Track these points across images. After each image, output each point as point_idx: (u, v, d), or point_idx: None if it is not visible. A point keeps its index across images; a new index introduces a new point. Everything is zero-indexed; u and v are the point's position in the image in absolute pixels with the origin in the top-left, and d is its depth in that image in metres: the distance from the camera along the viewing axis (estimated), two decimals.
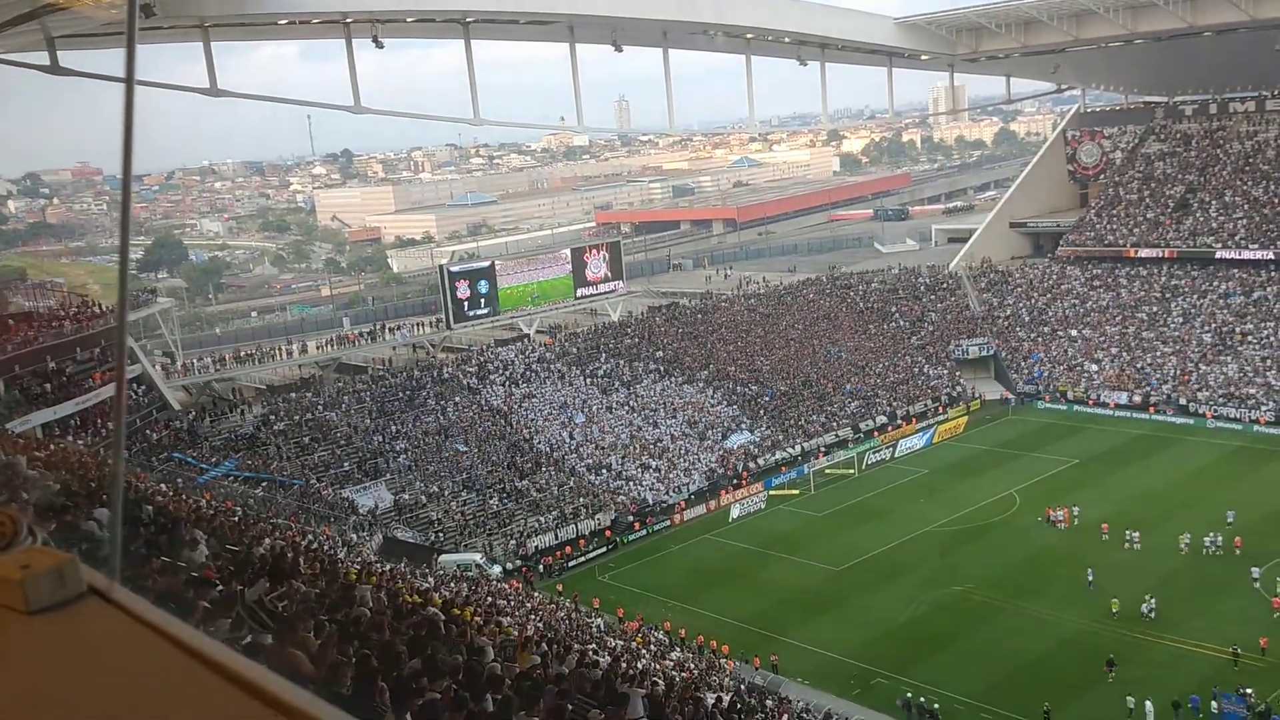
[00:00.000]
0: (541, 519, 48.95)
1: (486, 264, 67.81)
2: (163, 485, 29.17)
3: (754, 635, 37.70)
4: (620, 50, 49.70)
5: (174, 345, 59.72)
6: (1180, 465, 52.22)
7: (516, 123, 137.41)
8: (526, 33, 51.86)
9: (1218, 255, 68.12)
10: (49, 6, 29.54)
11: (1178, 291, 68.37)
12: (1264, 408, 56.98)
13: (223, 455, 48.37)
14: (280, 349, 63.73)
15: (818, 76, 60.42)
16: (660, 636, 35.83)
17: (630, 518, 50.33)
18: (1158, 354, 64.31)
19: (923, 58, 66.41)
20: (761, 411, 60.71)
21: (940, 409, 63.77)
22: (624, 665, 20.61)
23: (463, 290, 63.85)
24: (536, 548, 47.10)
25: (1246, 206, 69.67)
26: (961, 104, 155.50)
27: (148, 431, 47.44)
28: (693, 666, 29.25)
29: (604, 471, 53.56)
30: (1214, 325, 64.38)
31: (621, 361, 62.74)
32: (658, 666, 24.95)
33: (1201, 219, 71.09)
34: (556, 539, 47.98)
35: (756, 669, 34.53)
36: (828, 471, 55.40)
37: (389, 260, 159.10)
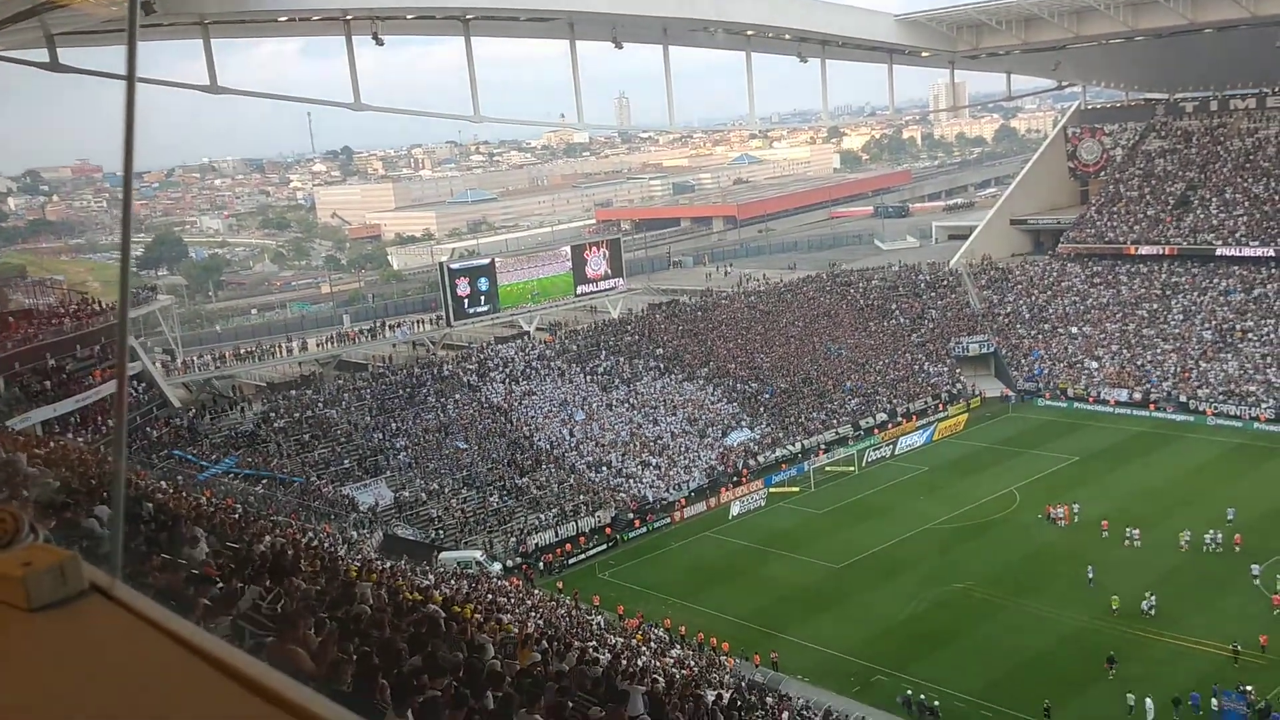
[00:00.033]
0: (542, 516, 48.97)
1: (486, 261, 67.83)
2: (163, 482, 29.18)
3: (754, 632, 37.72)
4: (620, 47, 49.65)
5: (174, 342, 59.71)
6: (1180, 462, 52.23)
7: (517, 120, 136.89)
8: (526, 29, 51.80)
9: (1218, 252, 68.10)
10: (48, 4, 29.49)
11: (1178, 288, 68.36)
12: (1264, 405, 56.99)
13: (223, 452, 48.38)
14: (280, 346, 63.71)
15: (818, 73, 60.40)
16: (660, 634, 35.88)
17: (630, 515, 50.35)
18: (1158, 351, 64.32)
19: (923, 55, 66.34)
20: (761, 409, 60.72)
21: (940, 406, 63.78)
22: (624, 662, 20.63)
23: (463, 287, 63.86)
24: (537, 545, 47.12)
25: (1247, 204, 69.65)
26: (962, 101, 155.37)
27: (148, 429, 47.45)
28: (693, 664, 29.28)
29: (604, 469, 53.58)
30: (1214, 322, 64.39)
31: (621, 359, 62.75)
32: (658, 664, 24.97)
33: (1202, 216, 71.07)
34: (557, 536, 48.00)
35: (757, 666, 34.57)
36: (828, 469, 55.42)
37: (389, 257, 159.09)
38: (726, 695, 23.00)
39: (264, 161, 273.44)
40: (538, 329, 67.70)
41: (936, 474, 53.78)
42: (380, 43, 42.27)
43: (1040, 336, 69.13)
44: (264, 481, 46.59)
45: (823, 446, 58.19)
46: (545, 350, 62.65)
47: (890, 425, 61.11)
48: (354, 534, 40.73)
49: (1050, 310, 70.87)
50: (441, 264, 67.28)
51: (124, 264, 2.16)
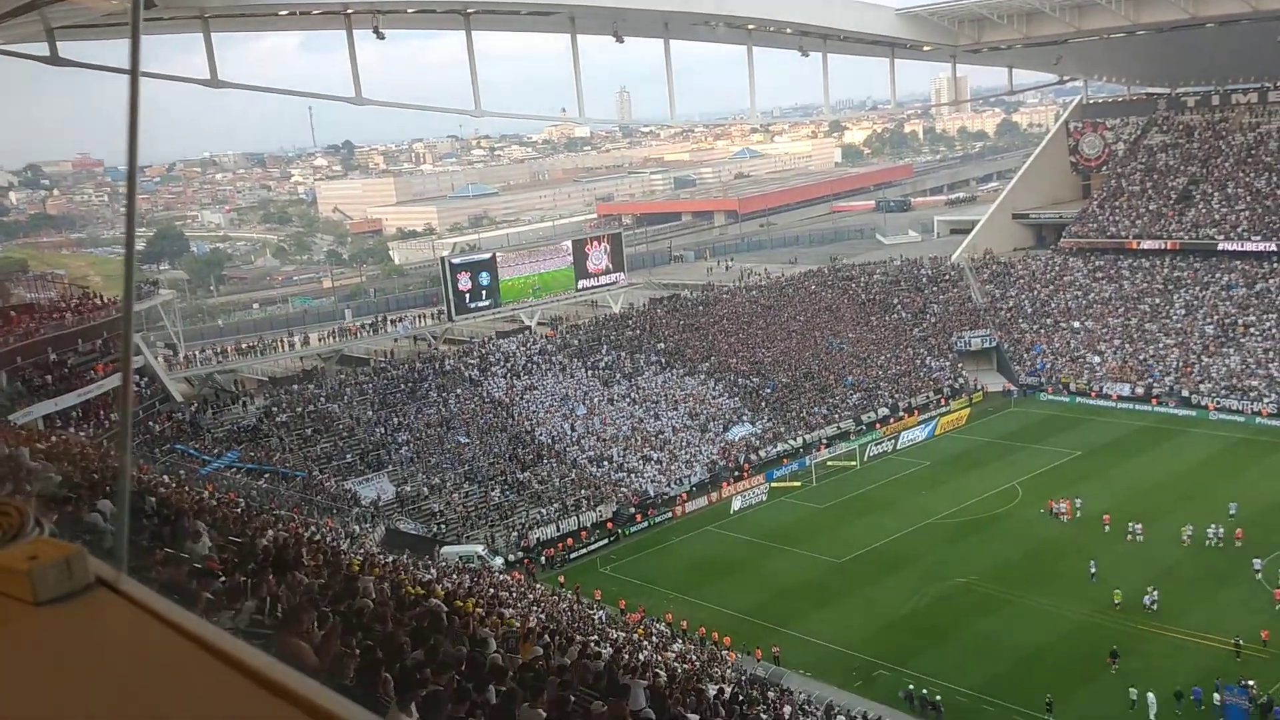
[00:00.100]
0: (543, 511, 49.01)
1: (488, 256, 67.86)
2: (165, 477, 29.20)
3: (756, 627, 37.75)
4: (621, 41, 49.63)
5: (176, 337, 59.77)
6: (1182, 457, 52.21)
7: (518, 114, 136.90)
8: (527, 24, 51.77)
9: (1220, 247, 68.00)
10: None
11: (1180, 283, 68.29)
12: (1266, 400, 56.96)
13: (225, 447, 48.44)
14: (282, 341, 63.79)
15: (819, 67, 60.32)
16: (662, 628, 35.93)
17: (632, 510, 50.39)
18: (1160, 346, 64.27)
19: (925, 49, 66.25)
20: (763, 403, 60.72)
21: (942, 401, 63.75)
22: (626, 657, 20.66)
23: (464, 282, 63.87)
24: (538, 539, 47.17)
25: (1249, 198, 69.54)
26: (964, 95, 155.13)
27: (150, 423, 47.50)
28: (694, 658, 29.32)
29: (605, 463, 53.61)
30: (1216, 317, 64.33)
31: (623, 353, 62.75)
32: (659, 658, 25.00)
33: (1204, 210, 70.98)
34: (558, 531, 48.04)
35: (758, 661, 34.61)
36: (829, 464, 55.43)
37: (390, 252, 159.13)
38: (728, 690, 23.04)
39: (265, 156, 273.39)
40: (539, 323, 67.73)
41: (938, 469, 53.79)
42: (381, 36, 42.24)
43: (1042, 331, 69.09)
44: (266, 476, 46.64)
45: (824, 441, 58.17)
46: (546, 345, 62.66)
47: (892, 420, 61.10)
48: (356, 528, 40.80)
49: (1052, 305, 70.81)
50: (443, 258, 67.27)
51: (128, 259, 2.16)
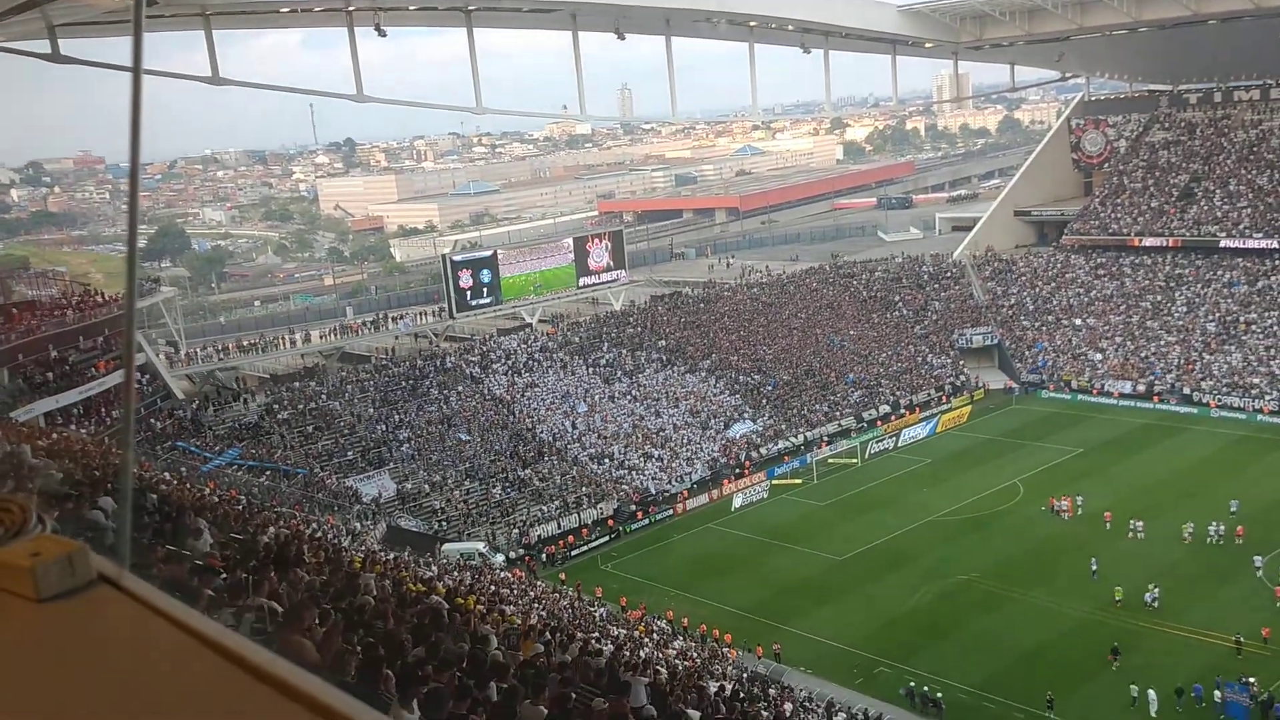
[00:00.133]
0: (544, 508, 49.03)
1: (489, 253, 67.81)
2: (167, 474, 29.22)
3: (757, 624, 37.76)
4: (623, 38, 49.59)
5: (177, 334, 59.78)
6: (1184, 455, 52.19)
7: (519, 111, 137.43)
8: (529, 21, 51.79)
9: (1222, 244, 67.94)
10: None
11: (1182, 280, 68.23)
12: (1268, 397, 56.92)
13: (226, 444, 48.47)
14: (283, 338, 63.82)
15: (821, 64, 60.37)
16: (663, 625, 35.94)
17: (633, 507, 50.40)
18: (1162, 343, 64.23)
19: (927, 45, 66.22)
20: (764, 401, 60.72)
21: (944, 398, 63.74)
22: (627, 654, 20.68)
23: (465, 279, 63.86)
24: (539, 537, 47.18)
25: (1251, 195, 69.47)
26: (966, 92, 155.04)
27: (152, 420, 47.52)
28: (695, 655, 29.33)
29: (606, 461, 53.63)
30: (1218, 314, 64.27)
31: (624, 351, 62.75)
32: (660, 655, 25.02)
33: (1206, 208, 70.90)
34: (559, 528, 48.05)
35: (759, 658, 34.61)
36: (830, 461, 55.42)
37: (392, 249, 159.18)
38: (729, 687, 23.05)
39: (266, 153, 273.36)
40: (540, 321, 67.72)
41: (939, 466, 53.77)
42: (383, 34, 42.25)
43: (1044, 328, 69.05)
44: (268, 473, 46.69)
45: (825, 439, 58.16)
46: (548, 342, 62.67)
47: (893, 417, 61.07)
48: (357, 525, 40.82)
49: (1054, 302, 70.76)
50: (444, 256, 67.24)
51: (131, 255, 2.16)
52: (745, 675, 28.69)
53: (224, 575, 8.46)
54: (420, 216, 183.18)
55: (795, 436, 58.01)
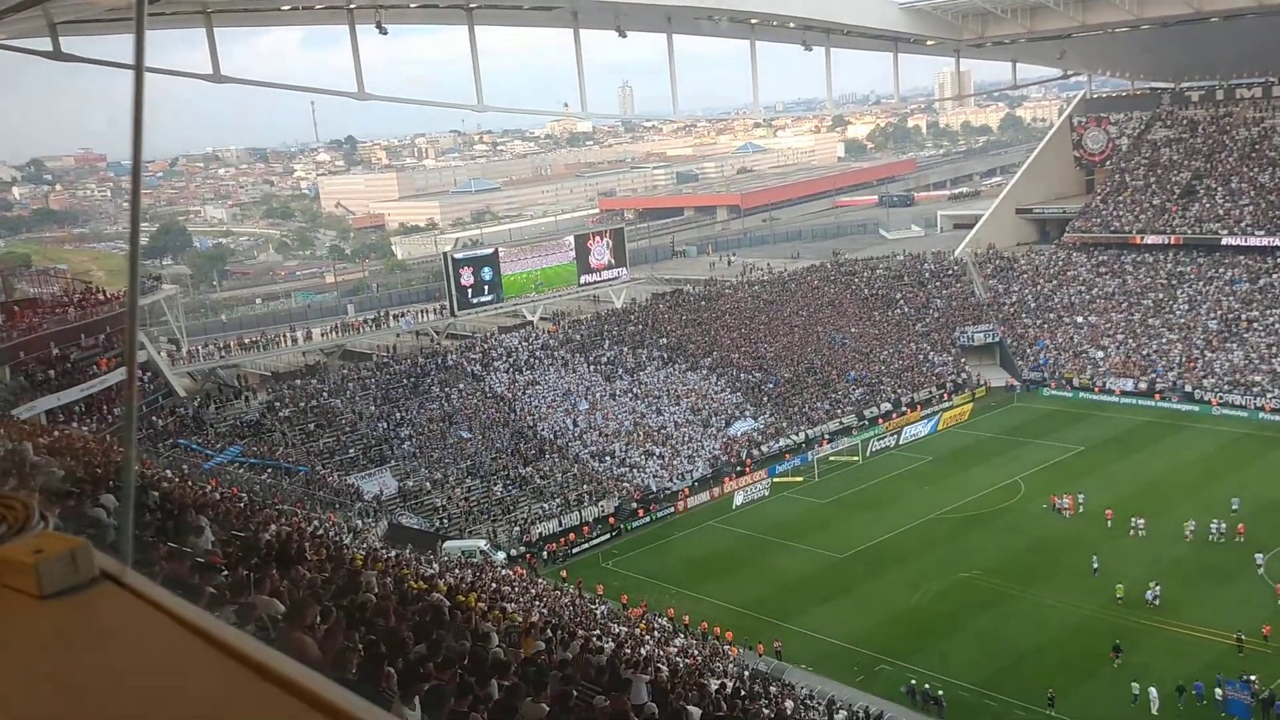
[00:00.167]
0: (545, 506, 49.05)
1: (490, 251, 67.79)
2: (168, 472, 29.25)
3: (758, 622, 37.78)
4: (624, 35, 49.55)
5: (179, 332, 59.82)
6: (1185, 452, 52.18)
7: (520, 109, 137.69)
8: (530, 18, 51.77)
9: (1224, 242, 67.89)
10: None
11: (1183, 278, 68.19)
12: (1269, 395, 56.88)
13: (228, 441, 48.50)
14: (285, 336, 63.83)
15: (823, 62, 60.30)
16: (664, 623, 35.95)
17: (634, 504, 50.42)
18: (1163, 341, 64.20)
19: (928, 43, 66.16)
20: (765, 398, 60.72)
21: (945, 396, 63.73)
22: (628, 651, 20.70)
23: (466, 277, 63.84)
24: (540, 534, 47.20)
25: (1253, 193, 69.40)
26: (967, 89, 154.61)
27: (153, 418, 47.55)
28: (696, 653, 29.35)
29: (608, 458, 53.64)
30: (1220, 312, 64.23)
31: (625, 348, 62.76)
32: (661, 653, 25.04)
33: (1208, 205, 70.84)
34: (560, 526, 48.06)
35: (760, 655, 34.62)
36: (831, 459, 55.42)
37: (393, 247, 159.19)
38: (730, 684, 23.07)
39: (268, 151, 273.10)
40: (541, 319, 67.72)
41: (941, 464, 53.76)
42: (384, 31, 42.24)
43: (1045, 326, 69.02)
44: (269, 470, 46.71)
45: (826, 436, 58.16)
46: (549, 340, 62.68)
47: (894, 415, 61.05)
48: (359, 523, 40.84)
49: (1055, 300, 70.73)
50: (445, 254, 67.18)
51: (133, 252, 2.16)
52: (746, 673, 28.69)
53: (225, 572, 8.47)
54: (421, 214, 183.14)
55: (796, 434, 58.02)
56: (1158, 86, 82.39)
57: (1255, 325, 62.18)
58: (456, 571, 29.89)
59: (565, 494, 50.06)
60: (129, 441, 2.24)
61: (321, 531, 26.14)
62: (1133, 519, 42.52)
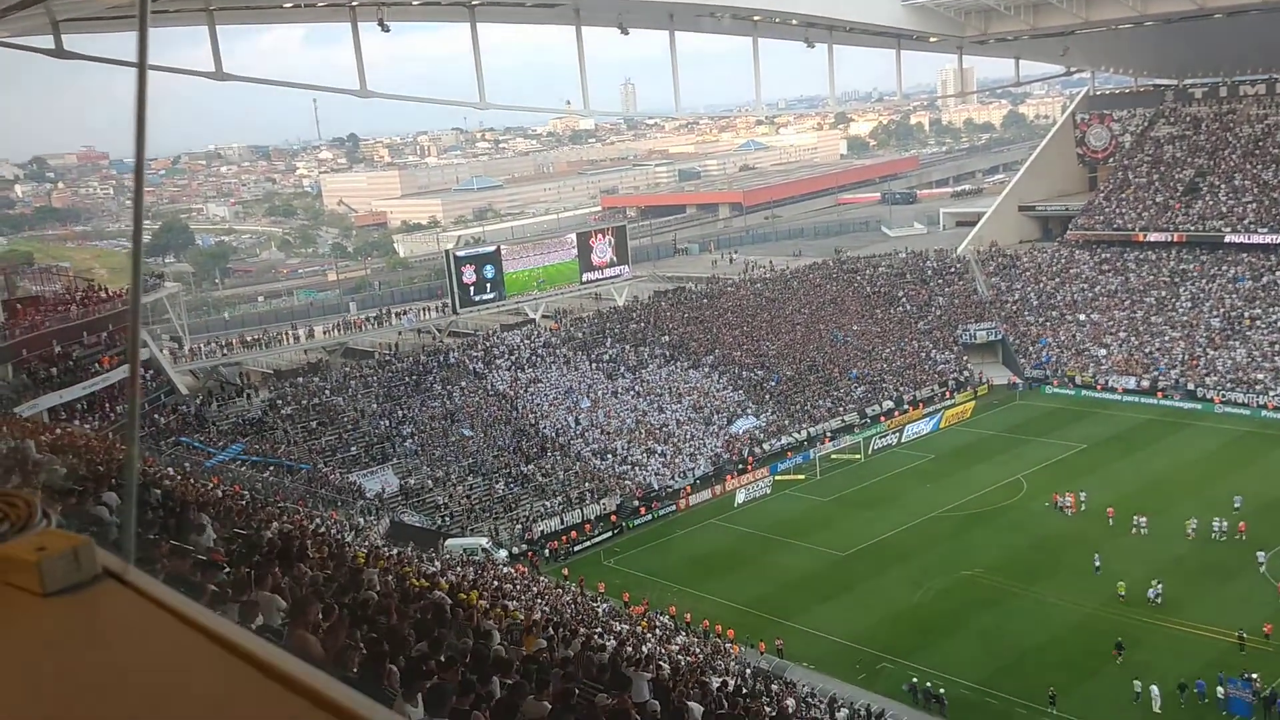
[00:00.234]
0: (547, 504, 49.07)
1: (492, 249, 67.76)
2: (171, 469, 29.28)
3: (759, 620, 37.79)
4: (626, 33, 49.54)
5: (181, 330, 59.85)
6: (1187, 450, 52.13)
7: (523, 106, 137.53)
8: (532, 15, 51.70)
9: (1227, 239, 67.81)
10: None
11: (1186, 276, 68.11)
12: (1272, 393, 56.82)
13: (230, 439, 48.54)
14: (287, 334, 63.84)
15: (825, 59, 60.24)
16: (665, 621, 35.95)
17: (636, 502, 50.43)
18: (1166, 339, 64.13)
19: (931, 40, 66.09)
20: (767, 396, 60.70)
21: (947, 394, 63.70)
22: (629, 649, 20.70)
23: (469, 275, 63.85)
24: (542, 532, 47.23)
25: (1256, 190, 69.29)
26: (970, 86, 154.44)
27: (156, 416, 47.60)
28: (698, 651, 29.36)
29: (609, 456, 53.65)
30: (1222, 310, 64.15)
31: (627, 346, 62.75)
32: (663, 651, 25.04)
33: (1211, 203, 70.74)
34: (562, 523, 48.09)
35: (762, 653, 34.64)
36: (834, 456, 55.41)
37: (395, 245, 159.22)
38: (731, 682, 23.07)
39: (270, 149, 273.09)
40: (543, 316, 67.72)
41: (943, 462, 53.73)
42: (386, 29, 42.26)
43: (1048, 324, 68.97)
44: (271, 468, 46.75)
45: (828, 434, 58.14)
46: (551, 338, 62.69)
47: (897, 413, 61.03)
48: (361, 521, 40.89)
49: (1058, 297, 70.67)
50: (447, 251, 67.19)
51: (136, 250, 2.16)
52: (748, 671, 28.70)
53: (228, 570, 8.48)
54: (423, 212, 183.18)
55: (798, 432, 58.01)
56: (1161, 83, 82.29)
57: (1258, 323, 62.10)
58: (458, 569, 29.91)
59: (567, 492, 50.08)
60: (131, 439, 2.24)
61: (323, 529, 26.16)
62: (1135, 517, 42.51)
